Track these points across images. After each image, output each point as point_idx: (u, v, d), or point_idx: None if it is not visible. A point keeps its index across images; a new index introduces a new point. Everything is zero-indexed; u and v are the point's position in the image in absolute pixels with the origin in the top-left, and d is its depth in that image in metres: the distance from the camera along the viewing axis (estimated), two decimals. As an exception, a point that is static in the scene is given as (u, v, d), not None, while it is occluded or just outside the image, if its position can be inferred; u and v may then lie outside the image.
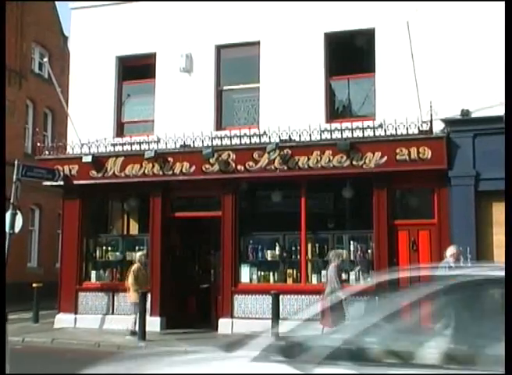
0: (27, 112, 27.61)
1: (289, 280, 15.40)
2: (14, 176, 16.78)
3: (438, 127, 14.21)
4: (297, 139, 14.97)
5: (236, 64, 16.82)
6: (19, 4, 26.36)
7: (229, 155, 15.36)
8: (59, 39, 29.47)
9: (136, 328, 14.40)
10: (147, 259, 15.67)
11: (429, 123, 14.13)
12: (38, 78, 27.54)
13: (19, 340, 14.23)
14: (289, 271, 15.44)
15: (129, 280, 14.84)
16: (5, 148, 20.42)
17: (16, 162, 17.00)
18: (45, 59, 23.05)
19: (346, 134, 14.79)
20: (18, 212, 17.15)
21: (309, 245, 15.32)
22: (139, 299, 14.45)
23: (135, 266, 14.99)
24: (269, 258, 15.62)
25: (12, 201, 16.98)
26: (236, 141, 15.58)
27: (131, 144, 16.54)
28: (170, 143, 15.92)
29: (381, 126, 14.56)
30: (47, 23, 28.97)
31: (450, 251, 12.06)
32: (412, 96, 14.00)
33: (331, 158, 14.66)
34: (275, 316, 13.44)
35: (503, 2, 13.67)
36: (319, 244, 15.31)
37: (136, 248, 16.78)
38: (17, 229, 17.20)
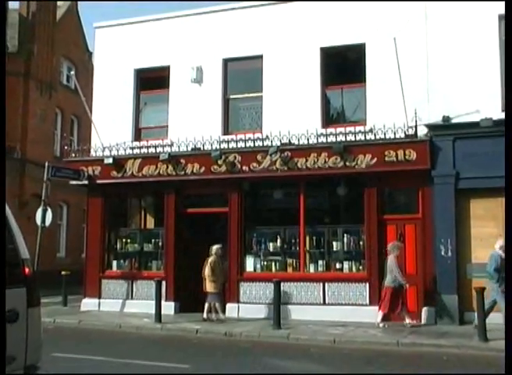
0: (56, 119, 27.71)
1: (290, 269, 15.33)
2: (45, 177, 16.86)
3: (422, 132, 14.12)
4: (296, 142, 14.91)
5: (242, 75, 16.75)
6: (51, 23, 26.46)
7: (235, 157, 15.32)
8: (85, 54, 29.55)
9: (219, 314, 14.19)
10: (222, 252, 14.93)
11: (414, 128, 14.04)
12: (66, 89, 27.62)
13: (51, 321, 14.29)
14: (290, 261, 15.37)
15: (206, 272, 14.29)
16: (5, 148, 20.16)
17: (46, 164, 17.06)
18: (72, 72, 23.17)
19: (340, 138, 14.72)
20: (48, 208, 17.23)
21: (307, 238, 15.23)
22: (216, 289, 14.21)
23: (212, 258, 14.42)
24: (271, 250, 15.54)
25: (43, 198, 17.07)
26: (241, 144, 15.55)
27: (147, 147, 16.54)
28: (182, 146, 15.90)
29: (371, 130, 14.47)
30: (74, 40, 29.09)
31: (499, 243, 12.02)
32: (399, 104, 13.94)
33: (327, 159, 14.60)
34: (277, 301, 13.39)
35: (494, 7, 13.79)
36: (316, 237, 15.22)
37: (152, 240, 16.83)
38: (47, 223, 17.31)
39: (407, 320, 13.21)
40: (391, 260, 13.31)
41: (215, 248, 14.57)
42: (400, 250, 13.62)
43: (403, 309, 13.29)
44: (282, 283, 13.83)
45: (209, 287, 14.24)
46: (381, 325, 13.13)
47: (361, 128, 14.69)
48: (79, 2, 30.01)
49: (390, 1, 14.93)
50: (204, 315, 14.21)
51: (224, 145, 15.63)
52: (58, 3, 27.83)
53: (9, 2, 24.31)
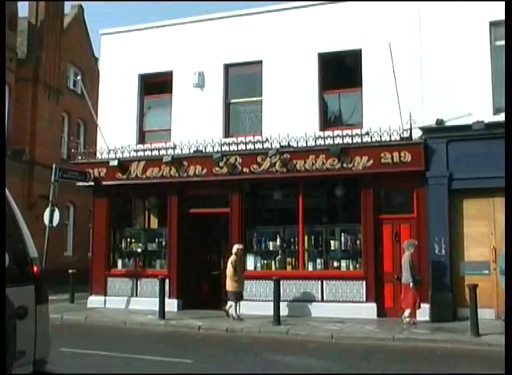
0: (63, 123, 27.75)
1: (289, 268, 15.32)
2: (52, 178, 16.84)
3: (416, 134, 14.13)
4: (295, 145, 14.91)
5: (242, 80, 16.76)
6: (59, 31, 26.51)
7: (236, 159, 15.33)
8: (91, 60, 29.59)
9: (237, 312, 13.92)
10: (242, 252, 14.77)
11: (409, 131, 14.06)
12: (73, 94, 27.66)
13: (59, 317, 14.30)
14: (289, 259, 15.36)
15: (229, 271, 14.09)
16: (5, 148, 20.15)
17: (53, 166, 17.06)
18: (79, 77, 23.20)
19: (338, 141, 14.71)
20: (55, 208, 17.23)
21: (305, 237, 15.22)
22: (238, 288, 14.03)
23: (232, 258, 14.19)
24: (271, 249, 15.54)
25: (50, 199, 17.06)
26: (242, 146, 15.53)
27: (151, 150, 16.54)
28: (185, 149, 15.92)
29: (367, 133, 14.48)
30: (80, 47, 29.14)
31: None
32: (394, 107, 13.93)
33: (324, 161, 14.60)
34: (277, 299, 13.40)
35: (486, 14, 13.83)
36: (314, 236, 15.21)
37: (156, 239, 16.83)
38: (55, 223, 17.27)
39: (405, 314, 13.10)
40: (406, 257, 13.22)
41: (235, 247, 14.39)
42: (416, 247, 13.46)
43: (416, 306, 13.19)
44: (281, 281, 13.83)
45: (231, 285, 14.05)
46: (407, 320, 12.93)
47: (358, 131, 14.70)
48: (85, 10, 30.04)
49: (386, 1, 14.95)
50: (232, 312, 13.98)
51: (225, 148, 15.63)
52: (66, 11, 27.91)
53: (19, 10, 24.37)
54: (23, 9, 25.32)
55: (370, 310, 14.12)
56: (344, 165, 14.44)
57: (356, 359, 9.97)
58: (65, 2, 27.50)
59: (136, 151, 16.73)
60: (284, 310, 13.53)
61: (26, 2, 25.67)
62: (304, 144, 14.86)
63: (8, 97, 23.61)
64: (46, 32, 25.73)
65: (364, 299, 14.34)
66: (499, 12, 13.61)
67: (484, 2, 13.96)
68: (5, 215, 4.00)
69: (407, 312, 13.09)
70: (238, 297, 14.14)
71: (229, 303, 14.12)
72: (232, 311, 13.98)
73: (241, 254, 14.53)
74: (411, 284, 12.99)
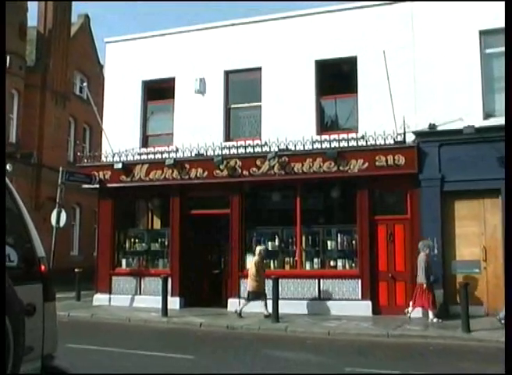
0: (70, 128, 27.74)
1: (287, 267, 15.30)
2: (59, 181, 16.83)
3: (410, 138, 14.16)
4: (293, 148, 14.91)
5: (242, 86, 16.75)
6: (66, 39, 26.55)
7: (236, 162, 15.33)
8: (96, 67, 29.60)
9: (269, 310, 13.48)
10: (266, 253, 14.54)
11: (403, 135, 14.08)
12: (79, 99, 27.67)
13: (66, 314, 14.30)
14: (287, 259, 15.35)
15: (251, 272, 13.92)
16: (5, 148, 19.98)
17: (60, 169, 17.07)
18: (85, 84, 23.19)
19: (334, 144, 14.73)
20: (62, 209, 17.22)
21: (303, 237, 15.21)
22: (260, 289, 13.79)
23: (256, 259, 14.04)
24: (270, 248, 15.44)
25: (57, 200, 17.05)
26: (241, 150, 15.56)
27: (154, 153, 16.56)
28: (187, 152, 15.93)
29: (363, 137, 14.48)
30: (86, 54, 29.16)
31: None
32: (388, 112, 13.97)
33: (321, 164, 14.60)
34: (275, 297, 13.39)
35: (475, 23, 13.86)
36: (311, 237, 15.21)
37: (159, 239, 16.82)
38: (62, 224, 17.28)
39: (431, 316, 12.94)
40: (421, 258, 13.07)
41: (258, 249, 14.25)
42: (431, 247, 13.30)
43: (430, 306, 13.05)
44: (279, 280, 13.80)
45: (252, 285, 13.89)
46: (434, 320, 12.76)
47: (353, 135, 14.71)
48: (91, 19, 30.06)
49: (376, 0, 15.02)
50: (265, 312, 13.70)
51: (225, 151, 15.64)
52: (72, 21, 27.95)
53: (28, 20, 24.38)
54: (33, 19, 25.40)
55: (365, 308, 14.12)
56: (340, 168, 14.45)
57: (352, 355, 9.97)
58: (72, 12, 27.52)
59: (140, 154, 16.73)
60: (283, 308, 13.51)
61: (36, 12, 25.72)
62: (302, 148, 14.87)
63: (18, 102, 23.64)
64: (54, 40, 25.77)
65: (360, 297, 14.33)
66: (488, 21, 13.75)
67: (473, 12, 14.01)
68: (14, 215, 4.01)
69: (431, 315, 12.90)
70: (261, 297, 13.85)
71: (243, 302, 13.95)
72: (265, 309, 13.72)
73: (264, 255, 14.38)
74: (425, 285, 12.81)
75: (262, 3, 46.32)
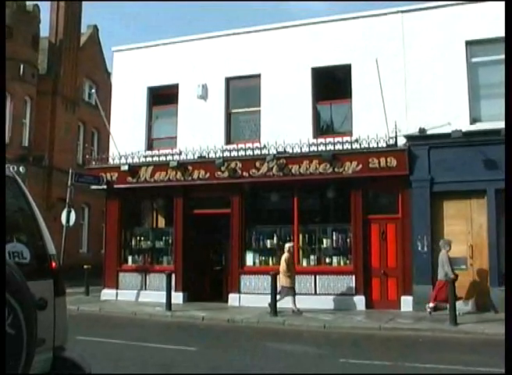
0: (79, 132, 27.74)
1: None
2: (69, 182, 16.84)
3: (401, 142, 14.17)
4: (291, 151, 14.92)
5: (242, 92, 16.75)
6: (75, 49, 26.58)
7: (236, 164, 15.32)
8: (104, 74, 29.60)
9: (297, 306, 13.34)
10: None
11: (394, 139, 14.09)
12: (87, 105, 27.65)
13: (75, 308, 14.31)
14: (285, 256, 15.40)
15: (283, 268, 13.58)
16: (5, 149, 19.93)
17: (70, 171, 17.09)
18: (93, 90, 23.24)
19: (330, 147, 14.70)
20: (72, 209, 17.23)
21: (300, 236, 15.22)
22: (291, 284, 13.52)
23: (286, 256, 13.74)
24: (268, 246, 15.52)
25: (67, 201, 17.05)
26: (242, 152, 15.53)
27: (159, 156, 16.54)
28: (189, 155, 15.92)
29: (356, 140, 14.50)
30: (95, 63, 29.16)
31: None
32: (381, 117, 13.96)
33: (317, 166, 14.60)
34: (274, 292, 13.39)
35: (462, 33, 13.90)
36: (308, 235, 15.22)
37: (163, 238, 16.81)
38: (71, 223, 17.29)
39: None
40: (443, 255, 12.77)
41: (287, 246, 14.01)
42: (451, 245, 12.93)
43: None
44: (277, 276, 13.81)
45: (284, 281, 13.57)
46: (428, 310, 12.69)
47: (348, 138, 14.72)
48: (99, 30, 30.08)
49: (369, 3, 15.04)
50: (294, 307, 13.47)
51: (226, 154, 15.64)
52: (82, 31, 28.02)
53: (40, 30, 24.42)
54: (45, 30, 25.50)
55: (359, 302, 14.15)
56: (335, 169, 14.45)
57: (346, 347, 10.01)
58: (82, 23, 27.61)
59: (145, 157, 16.73)
60: (281, 302, 13.52)
61: (48, 24, 25.79)
62: (299, 151, 14.87)
63: (30, 108, 23.67)
64: (64, 50, 25.81)
65: (354, 292, 14.35)
66: (474, 32, 13.83)
67: (460, 24, 14.05)
68: (27, 215, 4.02)
69: (431, 304, 12.73)
70: (291, 292, 13.60)
71: (278, 297, 13.47)
72: (291, 305, 13.49)
73: (293, 251, 14.22)
74: (444, 281, 12.47)
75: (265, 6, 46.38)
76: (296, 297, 13.73)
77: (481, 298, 13.13)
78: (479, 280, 13.36)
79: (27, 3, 23.83)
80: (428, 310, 12.81)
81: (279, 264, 15.13)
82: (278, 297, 13.52)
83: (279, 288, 13.62)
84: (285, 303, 13.59)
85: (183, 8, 63.26)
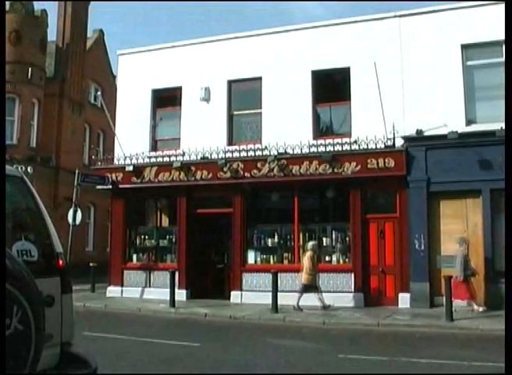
0: (85, 133, 27.75)
1: (285, 262, 15.32)
2: (75, 182, 16.86)
3: (399, 143, 14.18)
4: (291, 152, 14.93)
5: (244, 94, 16.77)
6: (82, 52, 26.61)
7: (238, 165, 15.35)
8: (109, 77, 29.63)
9: (300, 303, 13.29)
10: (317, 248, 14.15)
11: (392, 140, 14.11)
12: (93, 107, 27.68)
13: (81, 305, 14.30)
14: (285, 254, 15.37)
15: (307, 266, 13.44)
16: (5, 149, 19.83)
17: (76, 171, 17.11)
18: (99, 93, 23.23)
19: (329, 148, 14.72)
20: (78, 209, 17.24)
21: (300, 234, 15.22)
22: (314, 282, 13.43)
23: (309, 254, 13.58)
24: (270, 245, 15.52)
25: (74, 200, 17.07)
26: (243, 153, 15.55)
27: (163, 156, 16.56)
28: (193, 156, 15.95)
29: (355, 142, 14.50)
30: (101, 66, 29.19)
31: None
32: (379, 119, 13.97)
33: (317, 167, 14.62)
34: (274, 289, 13.42)
35: (458, 37, 13.91)
36: (308, 234, 15.19)
37: (167, 236, 16.82)
38: (78, 222, 17.28)
39: (475, 307, 12.46)
40: (460, 253, 12.59)
41: (310, 244, 13.91)
42: (468, 243, 12.72)
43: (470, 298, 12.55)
44: (279, 274, 13.82)
45: (307, 279, 13.46)
46: (480, 310, 12.32)
47: (347, 140, 14.73)
48: (105, 34, 30.14)
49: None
50: (295, 304, 13.38)
51: (228, 155, 15.66)
52: (88, 35, 28.05)
53: (48, 34, 24.45)
54: (52, 34, 25.55)
55: (358, 299, 14.16)
56: (335, 170, 14.46)
57: (345, 343, 10.02)
58: (88, 27, 27.61)
59: (149, 157, 16.75)
60: (281, 299, 13.55)
61: (55, 28, 25.82)
62: (299, 152, 14.88)
63: (38, 110, 23.68)
64: (71, 53, 25.84)
65: (353, 289, 14.34)
66: (469, 36, 13.85)
67: (456, 28, 14.06)
68: (35, 214, 4.04)
69: (475, 306, 12.46)
70: (310, 289, 13.43)
71: (298, 295, 13.46)
72: (320, 302, 13.36)
73: (316, 249, 13.96)
74: (461, 278, 12.31)
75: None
76: (297, 294, 13.73)
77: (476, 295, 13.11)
78: (474, 277, 13.33)
79: (35, 8, 23.87)
80: (480, 309, 12.34)
81: (281, 262, 15.25)
82: (299, 295, 13.45)
83: (300, 286, 13.60)
84: (307, 300, 13.40)
85: (185, 12, 63.30)
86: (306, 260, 13.66)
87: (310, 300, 13.44)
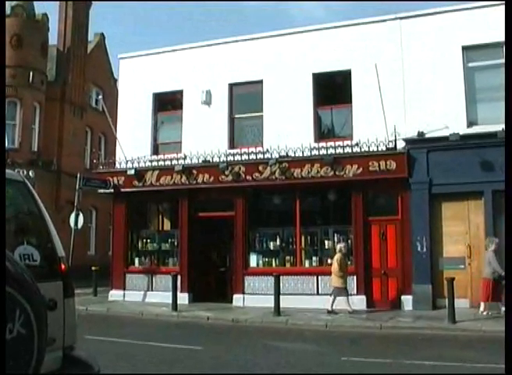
0: (86, 137, 27.85)
1: (288, 265, 15.31)
2: (77, 186, 16.90)
3: (400, 145, 14.18)
4: (293, 155, 14.94)
5: (245, 98, 16.79)
6: (83, 56, 26.72)
7: (239, 168, 15.37)
8: (110, 81, 29.72)
9: (334, 307, 13.09)
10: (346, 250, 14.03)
11: (393, 142, 14.11)
12: (95, 111, 27.77)
13: (84, 308, 14.32)
14: (287, 257, 15.36)
15: (335, 268, 13.32)
16: (5, 147, 19.77)
17: (78, 175, 17.15)
18: (100, 96, 23.35)
19: (331, 151, 14.75)
20: (80, 212, 17.27)
21: (302, 237, 15.22)
22: (343, 284, 13.22)
23: (338, 256, 13.44)
24: (272, 248, 15.52)
25: (75, 204, 17.11)
26: (245, 157, 15.58)
27: (164, 160, 16.59)
28: (194, 159, 15.97)
29: (357, 144, 14.51)
30: (102, 70, 29.30)
31: None
32: (380, 121, 13.98)
33: (319, 169, 14.63)
34: (277, 292, 13.41)
35: (459, 39, 13.94)
36: (310, 236, 15.21)
37: (169, 240, 16.83)
38: (79, 225, 17.32)
39: (502, 308, 11.77)
40: (489, 254, 12.27)
41: (339, 246, 13.77)
42: (497, 244, 12.19)
43: (502, 299, 11.80)
44: (281, 277, 13.80)
45: (337, 281, 13.31)
46: (484, 313, 12.12)
47: (348, 142, 14.74)
48: (106, 38, 30.25)
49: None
50: (329, 307, 13.17)
51: (230, 158, 15.67)
52: (89, 39, 28.17)
53: (49, 38, 24.55)
54: (53, 38, 25.71)
55: (360, 302, 14.14)
56: (336, 172, 14.48)
57: (348, 345, 10.01)
58: (89, 31, 27.74)
59: (151, 161, 16.78)
60: (283, 302, 13.56)
61: (56, 32, 25.94)
62: (301, 154, 14.90)
63: (39, 114, 23.79)
64: (72, 57, 25.96)
65: (355, 292, 14.31)
66: (470, 38, 13.87)
67: (457, 29, 14.09)
68: (36, 218, 4.05)
69: (482, 307, 12.28)
70: (344, 292, 13.31)
71: (331, 298, 13.25)
72: (330, 307, 13.19)
73: (345, 251, 13.83)
74: (491, 279, 12.02)
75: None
76: (299, 297, 13.72)
77: (478, 297, 13.08)
78: (477, 279, 13.32)
79: (36, 12, 23.98)
80: (484, 312, 12.18)
81: (283, 265, 15.23)
82: (331, 298, 13.30)
83: (331, 289, 13.53)
84: (289, 303, 13.52)
85: (185, 12, 63.39)
86: (334, 262, 13.53)
87: (309, 303, 13.40)
